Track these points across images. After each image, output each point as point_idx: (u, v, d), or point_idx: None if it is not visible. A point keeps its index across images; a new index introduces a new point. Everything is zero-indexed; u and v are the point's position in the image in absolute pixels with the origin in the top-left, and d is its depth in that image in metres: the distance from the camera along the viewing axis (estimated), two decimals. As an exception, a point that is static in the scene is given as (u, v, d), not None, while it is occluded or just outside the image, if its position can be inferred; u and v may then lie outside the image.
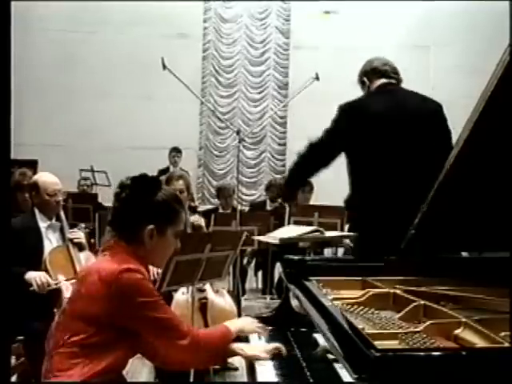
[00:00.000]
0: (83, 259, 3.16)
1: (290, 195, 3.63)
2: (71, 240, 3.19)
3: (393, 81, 2.98)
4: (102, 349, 1.74)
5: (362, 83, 3.07)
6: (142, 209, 1.84)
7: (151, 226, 1.83)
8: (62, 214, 3.26)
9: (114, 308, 1.72)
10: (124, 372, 1.89)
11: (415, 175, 2.70)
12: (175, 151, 7.83)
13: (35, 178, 3.30)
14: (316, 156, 3.00)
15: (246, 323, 1.97)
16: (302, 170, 3.14)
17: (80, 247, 3.21)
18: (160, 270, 2.97)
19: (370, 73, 3.01)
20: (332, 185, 7.80)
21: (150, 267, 3.20)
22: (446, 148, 2.63)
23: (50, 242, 3.18)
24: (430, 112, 2.87)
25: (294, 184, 3.42)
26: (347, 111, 2.89)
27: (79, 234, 3.26)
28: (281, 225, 5.36)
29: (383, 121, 2.81)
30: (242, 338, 1.98)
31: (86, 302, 1.76)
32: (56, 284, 2.95)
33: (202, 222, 4.06)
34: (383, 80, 2.97)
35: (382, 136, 2.80)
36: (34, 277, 2.92)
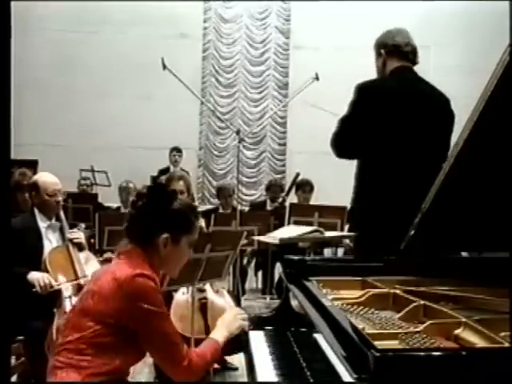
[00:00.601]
0: (83, 259, 3.16)
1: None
2: (71, 240, 3.19)
3: (410, 64, 2.86)
4: (109, 350, 1.75)
5: (379, 54, 2.92)
6: (158, 217, 1.88)
7: (166, 235, 1.86)
8: (61, 214, 3.26)
9: (121, 308, 1.74)
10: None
11: (429, 161, 2.66)
12: (176, 151, 7.83)
13: (35, 178, 3.30)
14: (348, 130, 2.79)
15: (231, 325, 1.98)
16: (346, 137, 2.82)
17: (80, 247, 3.21)
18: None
19: (390, 48, 2.86)
20: (332, 185, 7.83)
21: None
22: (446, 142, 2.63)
23: (50, 242, 3.19)
24: (443, 102, 2.83)
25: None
26: (365, 90, 2.79)
27: (79, 234, 3.26)
28: (281, 225, 5.35)
29: (399, 103, 2.74)
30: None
31: (96, 299, 1.77)
32: (58, 285, 2.95)
33: (202, 222, 4.05)
34: (402, 63, 2.85)
35: (397, 118, 2.72)
36: (37, 278, 2.92)
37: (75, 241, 3.20)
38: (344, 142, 2.82)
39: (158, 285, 1.81)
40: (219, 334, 1.97)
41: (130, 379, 1.96)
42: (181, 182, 3.78)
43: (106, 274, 1.83)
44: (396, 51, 2.86)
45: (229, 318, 2.03)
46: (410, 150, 2.72)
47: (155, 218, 1.88)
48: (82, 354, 1.74)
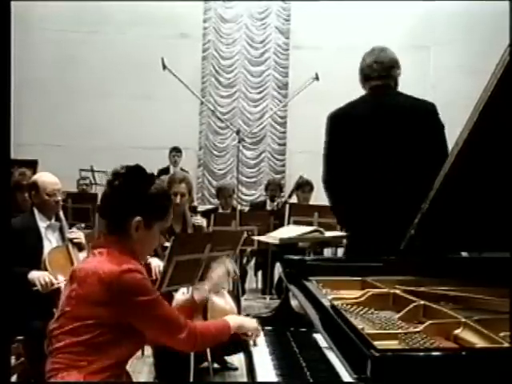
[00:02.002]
0: (83, 259, 3.16)
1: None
2: (71, 240, 3.19)
3: (381, 82, 2.84)
4: (107, 347, 1.74)
5: (362, 85, 2.96)
6: (133, 200, 1.84)
7: (138, 218, 1.83)
8: (61, 213, 3.26)
9: (116, 309, 1.73)
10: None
11: (403, 178, 2.68)
12: (175, 151, 7.83)
13: (35, 177, 3.30)
14: (333, 178, 2.89)
15: (247, 320, 2.04)
16: (338, 206, 2.96)
17: (79, 247, 3.21)
18: (161, 269, 2.98)
19: (360, 73, 2.91)
20: (332, 185, 7.82)
21: (152, 267, 3.21)
22: (435, 149, 2.63)
23: (50, 241, 3.18)
24: (419, 114, 2.76)
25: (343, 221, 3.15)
26: (332, 119, 2.87)
27: (79, 234, 3.26)
28: (281, 225, 5.35)
29: (366, 125, 2.76)
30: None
31: (87, 305, 1.75)
32: (59, 284, 2.95)
33: (203, 222, 4.05)
34: (373, 83, 2.86)
35: (365, 141, 2.76)
36: (38, 276, 2.92)
37: (75, 241, 3.20)
38: (333, 186, 2.89)
39: (144, 273, 1.80)
40: (232, 318, 2.03)
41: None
42: (182, 184, 3.77)
43: (89, 275, 1.77)
44: (364, 73, 2.88)
45: (247, 318, 2.09)
46: (391, 165, 2.72)
47: (130, 200, 1.84)
48: (80, 355, 1.73)
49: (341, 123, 2.85)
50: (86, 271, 1.81)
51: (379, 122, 2.76)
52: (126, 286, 1.73)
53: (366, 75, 2.87)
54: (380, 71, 2.84)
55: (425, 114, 2.75)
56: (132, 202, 1.84)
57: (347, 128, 2.82)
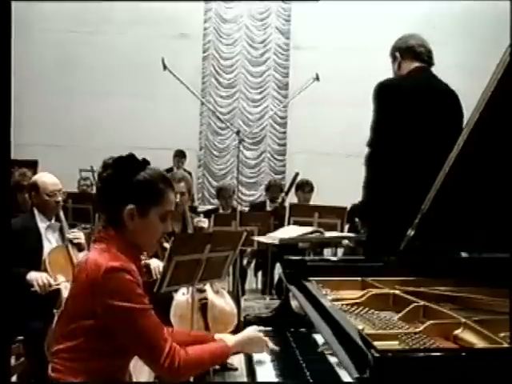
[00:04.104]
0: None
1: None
2: (71, 240, 3.19)
3: (425, 64, 2.93)
4: (102, 353, 1.70)
5: (394, 58, 3.01)
6: (122, 188, 1.77)
7: (131, 206, 1.76)
8: (61, 214, 3.26)
9: (96, 309, 1.67)
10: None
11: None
12: (180, 155, 7.84)
13: (35, 178, 3.31)
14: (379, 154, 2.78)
15: (253, 346, 1.88)
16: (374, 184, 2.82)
17: (79, 247, 3.21)
18: (161, 269, 2.98)
19: (403, 50, 2.94)
20: (332, 185, 7.83)
21: (152, 267, 3.21)
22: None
23: (50, 242, 3.19)
24: (456, 99, 2.87)
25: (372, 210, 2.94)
26: (382, 90, 2.84)
27: (79, 235, 3.26)
28: (281, 225, 5.35)
29: (415, 102, 2.78)
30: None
31: (79, 304, 1.72)
32: (57, 284, 2.95)
33: (205, 223, 4.04)
34: (417, 64, 2.92)
35: (416, 116, 2.75)
36: (36, 277, 2.92)
37: (75, 241, 3.20)
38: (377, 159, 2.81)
39: (133, 274, 1.69)
40: (236, 345, 1.86)
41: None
42: (182, 184, 3.77)
43: (80, 271, 1.74)
44: (409, 52, 2.93)
45: (257, 339, 1.89)
46: (430, 148, 2.71)
47: (119, 188, 1.77)
48: (76, 360, 1.70)
49: (395, 96, 2.82)
50: (80, 267, 1.78)
51: (430, 105, 2.79)
52: (107, 287, 1.65)
53: (415, 53, 2.91)
54: (426, 55, 2.96)
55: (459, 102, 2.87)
56: (121, 190, 1.77)
57: (397, 101, 2.79)
